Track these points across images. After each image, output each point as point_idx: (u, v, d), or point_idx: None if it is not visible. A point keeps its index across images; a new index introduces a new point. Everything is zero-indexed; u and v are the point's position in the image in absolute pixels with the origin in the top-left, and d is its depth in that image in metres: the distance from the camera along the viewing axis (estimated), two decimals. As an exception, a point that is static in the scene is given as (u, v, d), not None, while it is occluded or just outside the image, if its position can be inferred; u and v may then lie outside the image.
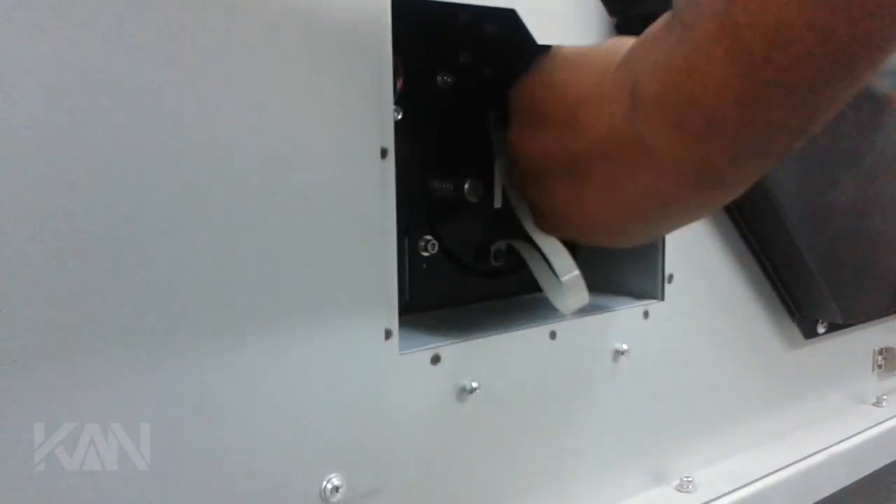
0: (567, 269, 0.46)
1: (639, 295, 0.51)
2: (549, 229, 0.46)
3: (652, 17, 0.44)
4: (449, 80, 0.46)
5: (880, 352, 0.73)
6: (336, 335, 0.36)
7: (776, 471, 0.57)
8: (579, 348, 0.47)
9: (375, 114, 0.36)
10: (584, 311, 0.47)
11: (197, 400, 0.32)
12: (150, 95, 0.29)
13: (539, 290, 0.49)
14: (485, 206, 0.48)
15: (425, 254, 0.46)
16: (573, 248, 0.52)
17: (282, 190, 0.33)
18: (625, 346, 0.48)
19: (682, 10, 0.31)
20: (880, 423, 0.68)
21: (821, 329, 0.65)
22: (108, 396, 0.30)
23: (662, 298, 0.51)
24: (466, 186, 0.45)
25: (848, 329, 0.68)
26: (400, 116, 0.42)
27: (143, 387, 0.30)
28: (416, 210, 0.46)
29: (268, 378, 0.34)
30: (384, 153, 0.36)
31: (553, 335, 0.45)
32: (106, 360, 0.29)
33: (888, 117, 0.62)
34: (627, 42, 0.38)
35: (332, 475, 0.36)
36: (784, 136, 0.32)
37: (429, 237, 0.46)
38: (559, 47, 0.44)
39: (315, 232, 0.35)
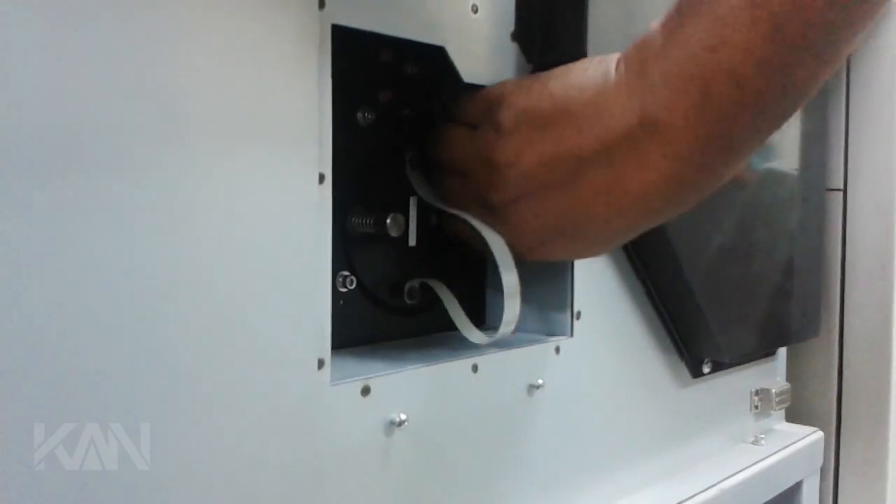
0: (512, 315, 0.46)
1: (550, 331, 0.53)
2: (536, 252, 0.46)
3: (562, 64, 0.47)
4: (370, 117, 0.47)
5: (756, 393, 0.78)
6: (269, 364, 0.35)
7: (676, 505, 0.59)
8: (498, 382, 0.47)
9: (315, 138, 0.36)
10: (501, 345, 0.47)
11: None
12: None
13: (451, 328, 0.49)
14: (401, 243, 0.48)
15: (343, 290, 0.46)
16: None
17: (217, 211, 0.32)
18: (540, 381, 0.49)
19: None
20: (761, 460, 0.72)
21: (706, 369, 0.68)
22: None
23: (572, 335, 0.52)
24: (388, 221, 0.46)
25: (729, 370, 0.72)
26: None
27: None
28: (334, 245, 0.45)
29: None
30: (322, 178, 0.36)
31: (475, 368, 0.45)
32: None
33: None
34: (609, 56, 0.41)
35: (263, 512, 0.35)
36: (799, 95, 0.36)
37: (346, 273, 0.46)
38: None
39: (250, 256, 0.34)
